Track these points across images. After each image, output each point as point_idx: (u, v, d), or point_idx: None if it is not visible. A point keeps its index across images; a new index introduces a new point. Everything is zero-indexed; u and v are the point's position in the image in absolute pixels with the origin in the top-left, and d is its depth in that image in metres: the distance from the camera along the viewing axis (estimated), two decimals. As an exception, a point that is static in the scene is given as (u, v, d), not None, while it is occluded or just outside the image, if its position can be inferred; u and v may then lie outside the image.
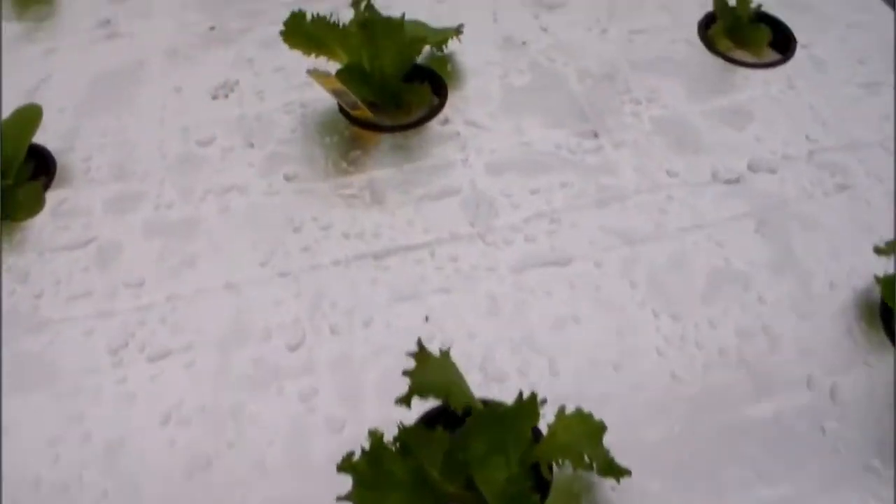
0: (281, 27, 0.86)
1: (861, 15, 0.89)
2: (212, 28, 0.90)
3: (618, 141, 0.76)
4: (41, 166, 0.80)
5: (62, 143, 0.81)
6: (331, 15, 0.76)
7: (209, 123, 0.81)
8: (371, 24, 0.75)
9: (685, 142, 0.77)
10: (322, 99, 0.81)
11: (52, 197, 0.77)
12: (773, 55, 0.85)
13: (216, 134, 0.80)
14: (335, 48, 0.78)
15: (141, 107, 0.83)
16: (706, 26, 0.87)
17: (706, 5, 0.88)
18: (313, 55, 0.79)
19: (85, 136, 0.81)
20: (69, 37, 0.92)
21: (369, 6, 0.75)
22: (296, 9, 0.77)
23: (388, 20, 0.75)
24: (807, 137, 0.77)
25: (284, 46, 0.78)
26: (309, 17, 0.76)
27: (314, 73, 0.75)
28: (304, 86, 0.82)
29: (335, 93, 0.76)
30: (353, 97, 0.76)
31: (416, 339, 0.55)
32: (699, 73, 0.83)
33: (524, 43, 0.86)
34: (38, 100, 0.85)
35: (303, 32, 0.77)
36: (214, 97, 0.83)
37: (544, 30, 0.87)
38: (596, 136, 0.77)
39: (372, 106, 0.78)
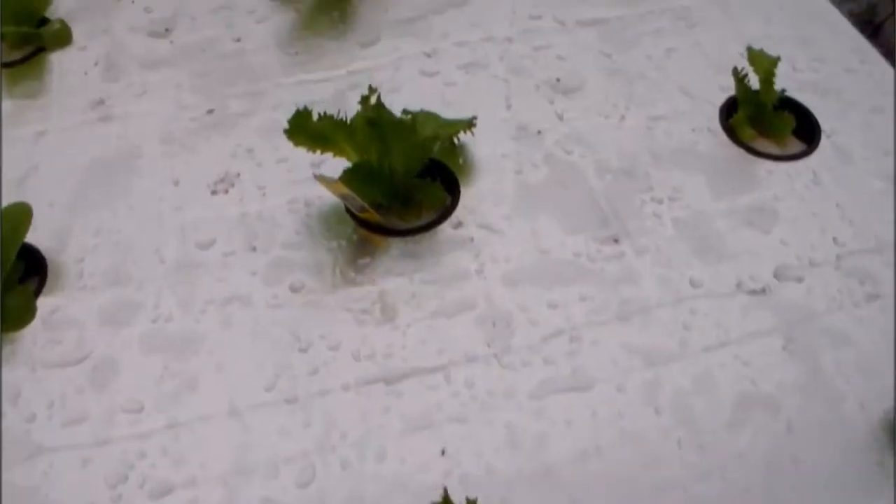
0: (282, 110, 0.86)
1: (883, 98, 0.87)
2: (210, 111, 0.88)
3: (639, 247, 0.75)
4: (31, 267, 0.78)
5: (53, 242, 0.79)
6: (338, 112, 0.74)
7: (209, 223, 0.78)
8: (380, 123, 0.73)
9: (709, 247, 0.75)
10: (327, 195, 0.78)
11: (43, 304, 0.75)
12: (796, 144, 0.84)
13: (216, 235, 0.77)
14: (343, 145, 0.76)
15: (136, 202, 0.81)
16: (728, 113, 0.85)
17: (727, 87, 0.86)
18: (319, 152, 0.77)
19: (77, 234, 0.79)
20: (60, 118, 0.89)
21: (379, 105, 0.74)
22: (301, 106, 0.75)
23: (400, 121, 0.74)
24: (834, 240, 0.75)
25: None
26: (316, 116, 0.74)
27: (321, 179, 0.73)
28: (307, 181, 0.80)
29: (342, 196, 0.74)
30: (360, 201, 0.74)
31: (431, 477, 0.53)
32: (722, 167, 0.81)
33: (539, 132, 0.84)
34: (27, 191, 0.83)
35: (308, 131, 0.75)
36: (214, 192, 0.81)
37: (560, 117, 0.85)
38: (616, 241, 0.75)
39: (380, 207, 0.77)
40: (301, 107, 0.85)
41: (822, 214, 0.78)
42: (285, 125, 0.75)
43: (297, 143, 0.75)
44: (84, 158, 0.85)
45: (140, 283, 0.75)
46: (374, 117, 0.73)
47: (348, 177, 0.74)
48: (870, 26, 1.71)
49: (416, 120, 0.77)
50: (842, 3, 1.74)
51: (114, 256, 0.77)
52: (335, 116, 0.74)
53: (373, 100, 0.75)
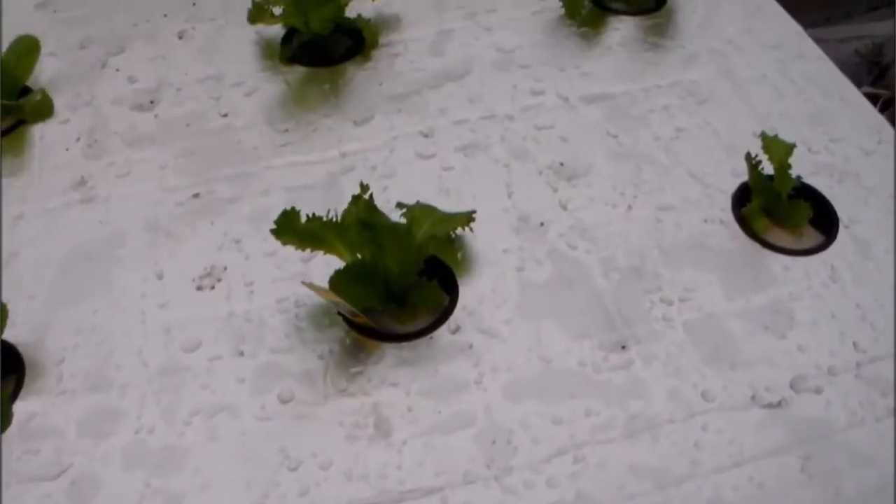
0: (272, 195, 0.85)
1: (905, 183, 0.86)
2: (195, 195, 0.86)
3: (648, 354, 0.73)
4: (8, 364, 0.76)
5: (32, 338, 0.77)
6: (328, 212, 0.72)
7: (194, 323, 0.76)
8: (372, 226, 0.72)
9: (722, 354, 0.73)
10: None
11: (20, 409, 0.72)
12: (813, 234, 0.82)
13: (202, 337, 0.76)
14: (334, 243, 0.74)
15: (119, 297, 0.79)
16: (740, 201, 0.83)
17: (739, 171, 0.84)
18: (309, 250, 0.76)
19: (57, 331, 0.77)
20: (41, 199, 0.87)
21: (371, 206, 0.72)
22: (292, 189, 0.73)
23: (393, 226, 0.72)
24: (854, 346, 0.73)
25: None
26: (304, 217, 0.72)
27: (310, 286, 0.71)
28: (297, 276, 0.78)
29: (333, 302, 0.73)
30: (350, 307, 0.72)
31: None
32: (735, 263, 0.79)
33: (542, 224, 0.82)
34: (6, 280, 0.81)
35: (296, 231, 0.73)
36: (199, 287, 0.79)
37: (564, 207, 0.83)
38: (624, 348, 0.73)
39: (373, 310, 0.75)
40: (292, 190, 0.85)
41: (841, 316, 0.76)
42: (274, 214, 0.73)
43: (285, 243, 0.73)
44: (65, 246, 0.84)
45: (122, 389, 0.73)
46: (366, 219, 0.71)
47: (338, 280, 0.72)
48: (876, 67, 1.70)
49: (412, 217, 0.75)
50: (847, 41, 1.73)
51: (95, 358, 0.76)
52: (325, 216, 0.72)
53: (366, 195, 0.74)
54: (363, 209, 0.72)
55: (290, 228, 0.73)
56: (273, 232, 0.73)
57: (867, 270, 0.79)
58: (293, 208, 0.72)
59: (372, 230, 0.72)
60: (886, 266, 0.79)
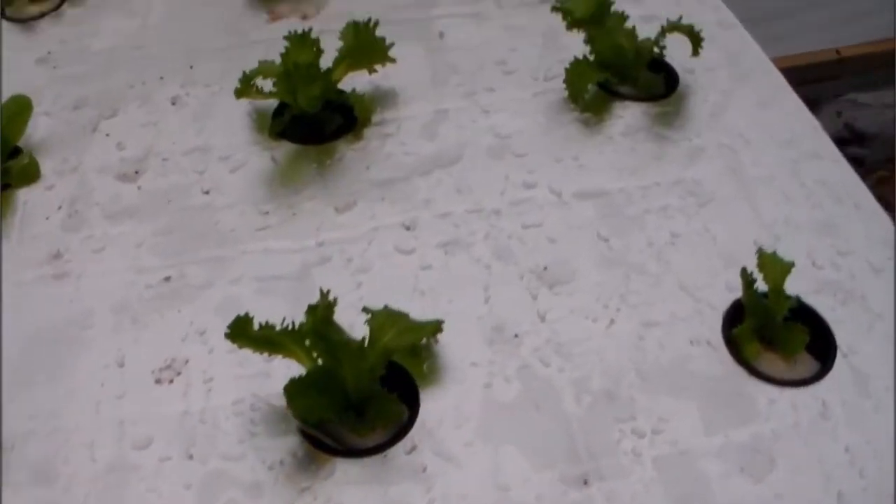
0: (242, 284, 0.85)
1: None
2: (167, 279, 0.85)
3: (610, 492, 0.68)
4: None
5: (-11, 422, 0.77)
6: (283, 321, 0.71)
7: (148, 419, 0.75)
8: (327, 339, 0.70)
9: (691, 498, 0.68)
10: (274, 398, 0.74)
11: (-35, 499, 0.73)
12: (808, 361, 0.77)
13: (154, 434, 0.74)
14: (291, 348, 0.73)
15: (78, 384, 0.78)
16: (732, 321, 0.79)
17: (734, 285, 0.79)
18: (266, 354, 0.74)
19: (13, 414, 0.76)
20: (16, 272, 0.87)
21: (327, 319, 0.70)
22: (264, 278, 0.71)
23: (348, 343, 0.70)
24: (838, 496, 0.68)
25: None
26: (256, 325, 0.70)
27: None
28: (258, 376, 0.77)
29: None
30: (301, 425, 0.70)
31: None
32: (718, 393, 0.74)
33: (516, 336, 0.78)
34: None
35: (250, 337, 0.71)
36: (158, 381, 0.78)
37: (542, 318, 0.79)
38: (585, 483, 0.69)
39: (329, 421, 0.73)
40: (263, 280, 0.84)
41: (828, 460, 0.70)
42: (243, 305, 0.73)
43: (241, 346, 0.72)
44: (33, 323, 0.83)
45: (67, 485, 0.72)
46: (322, 331, 0.69)
47: (294, 389, 0.70)
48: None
49: (377, 324, 0.73)
50: (891, 107, 1.67)
51: (46, 448, 0.74)
52: (281, 323, 0.71)
53: (325, 302, 0.72)
54: (319, 321, 0.70)
55: (245, 334, 0.72)
56: (227, 336, 0.72)
57: (862, 409, 0.74)
58: (247, 314, 0.71)
59: (327, 343, 0.70)
60: (884, 406, 0.74)
